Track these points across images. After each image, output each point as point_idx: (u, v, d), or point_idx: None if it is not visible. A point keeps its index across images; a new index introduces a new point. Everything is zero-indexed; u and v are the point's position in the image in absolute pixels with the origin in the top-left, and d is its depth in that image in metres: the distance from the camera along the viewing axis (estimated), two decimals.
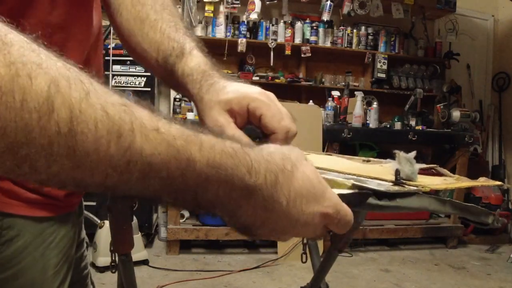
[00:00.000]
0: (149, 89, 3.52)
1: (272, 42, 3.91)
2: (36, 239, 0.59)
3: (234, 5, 3.80)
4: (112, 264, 0.72)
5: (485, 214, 0.55)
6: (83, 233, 0.78)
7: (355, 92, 3.85)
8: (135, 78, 3.49)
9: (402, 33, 4.36)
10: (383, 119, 4.06)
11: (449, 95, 4.18)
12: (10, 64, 0.27)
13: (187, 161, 0.34)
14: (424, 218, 3.87)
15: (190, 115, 3.42)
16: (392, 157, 0.67)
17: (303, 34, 4.05)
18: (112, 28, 2.78)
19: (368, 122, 3.81)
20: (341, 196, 0.47)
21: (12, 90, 0.27)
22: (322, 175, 0.51)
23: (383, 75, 4.20)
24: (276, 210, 0.39)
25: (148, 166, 0.33)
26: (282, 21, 4.03)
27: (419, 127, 3.91)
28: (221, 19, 3.86)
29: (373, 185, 0.49)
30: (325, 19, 3.98)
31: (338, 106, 3.74)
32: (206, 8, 3.79)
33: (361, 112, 3.73)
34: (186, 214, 3.45)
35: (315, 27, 4.07)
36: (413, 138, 3.69)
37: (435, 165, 0.67)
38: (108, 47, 3.23)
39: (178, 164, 0.34)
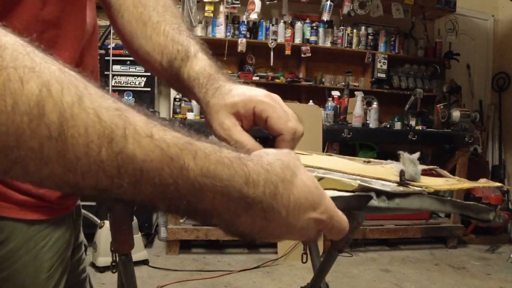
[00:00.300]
0: (149, 89, 3.52)
1: (272, 42, 3.91)
2: (28, 242, 0.58)
3: (234, 5, 3.80)
4: (112, 264, 0.72)
5: (486, 211, 0.55)
6: (81, 236, 0.77)
7: (355, 92, 3.86)
8: (135, 78, 3.49)
9: (402, 33, 4.36)
10: (383, 119, 4.06)
11: (449, 95, 4.19)
12: (2, 69, 0.28)
13: (180, 169, 0.34)
14: (424, 218, 3.87)
15: (190, 115, 3.42)
16: (393, 157, 0.67)
17: (303, 34, 4.05)
18: (112, 29, 2.79)
19: (368, 122, 3.81)
20: (342, 199, 0.47)
21: (3, 94, 0.28)
22: (326, 175, 0.51)
23: (383, 75, 4.20)
24: (276, 220, 0.39)
25: (140, 172, 0.32)
26: (282, 21, 4.03)
27: (419, 127, 3.91)
28: (221, 19, 3.86)
29: (377, 185, 0.49)
30: (325, 19, 3.98)
31: (338, 106, 3.74)
32: (206, 8, 3.79)
33: (361, 112, 3.73)
34: None
35: (315, 27, 4.07)
36: (413, 138, 3.69)
37: (435, 166, 0.67)
38: (108, 47, 3.23)
39: (171, 172, 0.33)
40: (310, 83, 4.10)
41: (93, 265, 2.81)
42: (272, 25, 3.97)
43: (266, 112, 0.54)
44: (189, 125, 3.30)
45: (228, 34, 3.89)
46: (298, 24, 4.03)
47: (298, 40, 4.04)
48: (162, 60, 0.63)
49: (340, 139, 3.54)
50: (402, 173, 0.53)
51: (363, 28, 4.19)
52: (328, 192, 0.48)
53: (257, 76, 3.95)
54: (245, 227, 0.39)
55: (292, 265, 3.15)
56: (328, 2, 3.89)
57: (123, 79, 3.48)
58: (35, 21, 0.54)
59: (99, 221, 2.83)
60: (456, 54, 4.39)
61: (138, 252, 2.89)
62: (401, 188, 0.50)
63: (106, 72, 3.29)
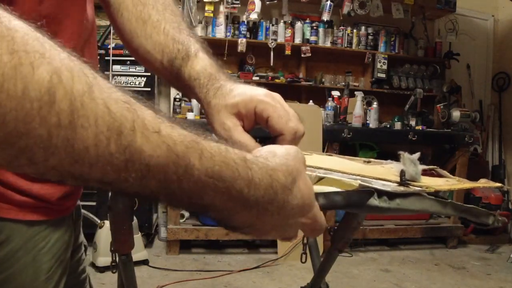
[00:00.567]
0: (149, 89, 3.52)
1: (272, 42, 3.91)
2: (27, 243, 0.58)
3: (234, 5, 3.80)
4: (113, 264, 0.72)
5: (485, 215, 0.55)
6: (81, 237, 0.77)
7: (355, 92, 3.86)
8: (135, 78, 3.49)
9: (402, 33, 4.36)
10: (383, 119, 4.06)
11: (449, 95, 4.19)
12: (13, 52, 0.27)
13: (186, 167, 0.34)
14: (424, 218, 3.87)
15: (190, 115, 3.42)
16: (393, 157, 0.67)
17: (303, 34, 4.05)
18: (112, 28, 2.79)
19: (368, 122, 3.81)
20: (343, 194, 0.47)
21: (14, 78, 0.27)
22: (327, 175, 0.51)
23: (383, 75, 4.20)
24: (267, 220, 0.41)
25: (146, 167, 0.32)
26: (282, 21, 4.03)
27: (419, 127, 3.91)
28: (221, 19, 3.86)
29: (378, 185, 0.49)
30: (325, 19, 3.98)
31: (338, 106, 3.74)
32: (206, 8, 3.79)
33: (361, 112, 3.73)
34: (186, 214, 3.45)
35: (315, 27, 4.07)
36: (413, 138, 3.69)
37: (435, 167, 0.67)
38: (108, 47, 3.23)
39: (176, 169, 0.33)
40: (310, 83, 4.10)
41: (93, 265, 2.81)
42: (272, 25, 3.97)
43: (267, 112, 0.54)
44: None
45: (228, 34, 3.89)
46: (298, 24, 4.03)
47: (298, 40, 4.04)
48: (162, 59, 0.63)
49: (340, 139, 3.54)
50: (402, 173, 0.53)
51: (363, 28, 4.19)
52: (329, 187, 0.48)
53: (257, 76, 3.95)
54: (238, 222, 0.40)
55: (292, 265, 3.15)
56: (328, 2, 3.89)
57: (123, 79, 3.48)
58: (33, 16, 0.54)
59: (99, 221, 2.83)
60: (456, 54, 4.39)
61: (138, 252, 2.89)
62: (401, 188, 0.50)
63: (106, 72, 3.29)
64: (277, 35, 3.96)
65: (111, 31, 3.02)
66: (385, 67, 4.19)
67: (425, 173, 0.61)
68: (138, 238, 2.88)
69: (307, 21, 4.08)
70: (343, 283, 2.94)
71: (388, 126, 3.94)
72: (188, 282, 2.81)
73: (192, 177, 0.34)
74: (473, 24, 4.82)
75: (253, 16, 3.75)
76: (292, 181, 0.40)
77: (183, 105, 3.59)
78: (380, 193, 0.47)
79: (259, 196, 0.38)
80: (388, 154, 0.70)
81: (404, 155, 0.55)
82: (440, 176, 0.65)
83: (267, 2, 3.89)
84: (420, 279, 3.09)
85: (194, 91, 0.59)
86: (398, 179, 0.53)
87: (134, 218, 2.03)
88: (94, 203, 3.05)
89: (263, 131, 0.57)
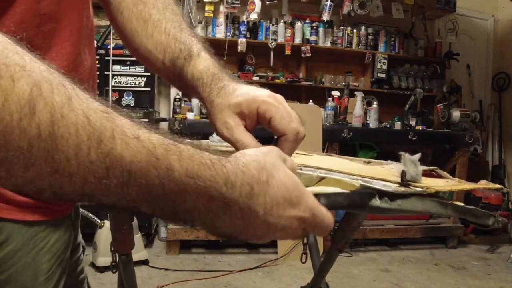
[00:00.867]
0: (149, 89, 3.52)
1: (272, 42, 3.91)
2: (27, 243, 0.58)
3: (234, 5, 3.80)
4: (113, 264, 0.72)
5: (485, 216, 0.55)
6: (79, 237, 0.77)
7: (355, 92, 3.86)
8: (135, 78, 3.49)
9: (402, 33, 4.37)
10: (383, 119, 4.06)
11: (449, 95, 4.19)
12: None
13: (166, 170, 0.34)
14: (424, 218, 3.87)
15: (190, 115, 3.42)
16: (393, 157, 0.67)
17: (303, 34, 4.05)
18: (112, 28, 2.78)
19: (368, 122, 3.81)
20: (344, 196, 0.46)
21: None
22: (327, 175, 0.51)
23: (383, 75, 4.20)
24: (254, 219, 0.40)
25: (127, 173, 0.33)
26: (282, 21, 4.03)
27: (419, 127, 3.91)
28: (221, 19, 3.86)
29: (379, 186, 0.49)
30: (325, 19, 3.98)
31: (338, 106, 3.74)
32: (206, 8, 3.79)
33: (361, 112, 3.73)
34: None
35: (315, 27, 4.07)
36: (413, 138, 3.69)
37: (435, 168, 0.67)
38: (108, 47, 3.23)
39: (157, 172, 0.34)
40: (310, 83, 4.10)
41: (93, 265, 2.81)
42: (272, 25, 3.97)
43: (270, 113, 0.55)
44: (189, 125, 3.30)
45: (228, 34, 3.89)
46: (298, 24, 4.03)
47: (298, 40, 4.04)
48: (164, 59, 0.63)
49: (340, 139, 3.54)
50: (403, 174, 0.53)
51: (363, 28, 4.19)
52: (330, 188, 0.48)
53: (257, 76, 3.95)
54: (225, 227, 0.40)
55: (292, 265, 3.15)
56: (328, 2, 3.89)
57: (123, 79, 3.47)
58: (32, 14, 0.54)
59: (99, 221, 2.83)
60: (456, 54, 4.39)
61: (138, 252, 2.89)
62: (402, 189, 0.50)
63: (106, 72, 3.28)
64: (277, 35, 3.96)
65: (111, 31, 3.02)
66: (385, 67, 4.19)
67: (425, 174, 0.61)
68: (138, 238, 2.88)
69: (307, 21, 4.08)
70: (343, 283, 2.94)
71: (388, 126, 3.94)
72: (188, 282, 2.81)
73: (173, 179, 0.35)
74: (473, 24, 4.82)
75: (253, 16, 3.75)
76: (268, 175, 0.40)
77: (183, 105, 3.59)
78: (382, 194, 0.47)
79: (237, 194, 0.38)
80: (388, 154, 0.70)
81: (405, 155, 0.55)
82: (440, 177, 0.66)
83: (267, 2, 3.89)
84: (420, 279, 3.09)
85: (197, 90, 0.60)
86: (399, 179, 0.53)
87: (134, 218, 2.02)
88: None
89: (265, 131, 0.57)
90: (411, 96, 3.94)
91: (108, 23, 2.67)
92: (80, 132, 0.31)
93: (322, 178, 0.50)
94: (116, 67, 3.42)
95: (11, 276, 0.57)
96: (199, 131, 3.20)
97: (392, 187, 0.50)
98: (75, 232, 0.72)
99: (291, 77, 4.07)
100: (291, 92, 4.01)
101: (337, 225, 0.76)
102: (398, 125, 3.89)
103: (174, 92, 3.76)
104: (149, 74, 3.47)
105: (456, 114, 3.93)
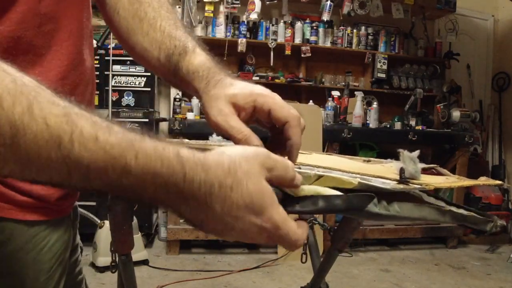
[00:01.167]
0: (149, 89, 3.52)
1: (272, 42, 3.91)
2: (28, 243, 0.58)
3: (234, 5, 3.80)
4: (112, 264, 0.72)
5: (484, 222, 0.55)
6: (78, 238, 0.77)
7: (355, 92, 3.86)
8: (135, 78, 3.49)
9: (402, 33, 4.36)
10: (383, 119, 4.06)
11: (449, 95, 4.19)
12: None
13: (123, 168, 0.37)
14: None
15: (190, 115, 3.42)
16: (393, 157, 0.66)
17: (303, 34, 4.05)
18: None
19: (368, 122, 3.81)
20: (342, 198, 0.46)
21: None
22: (326, 173, 0.51)
23: (383, 75, 4.20)
24: (211, 215, 0.42)
25: (87, 171, 0.37)
26: (282, 21, 4.03)
27: (419, 127, 3.91)
28: (221, 19, 3.86)
29: (377, 183, 0.49)
30: (325, 19, 3.98)
31: (338, 106, 3.74)
32: (206, 8, 3.79)
33: (361, 112, 3.73)
34: None
35: (315, 27, 4.07)
36: (413, 138, 3.69)
37: (435, 165, 0.67)
38: (108, 47, 3.22)
39: (114, 170, 0.37)
40: (310, 83, 4.10)
41: (93, 265, 2.81)
42: (272, 25, 3.97)
43: (268, 104, 0.55)
44: (189, 125, 3.30)
45: (228, 34, 3.89)
46: (298, 24, 4.03)
47: (298, 40, 4.04)
48: (159, 56, 0.63)
49: (340, 139, 3.54)
50: (402, 171, 0.53)
51: (363, 28, 4.19)
52: (329, 190, 0.47)
53: (257, 76, 3.95)
54: (188, 215, 0.43)
55: (292, 265, 3.15)
56: (328, 2, 3.89)
57: (123, 79, 3.47)
58: (32, 14, 0.54)
59: (99, 221, 2.83)
60: (456, 54, 4.39)
61: (138, 252, 2.89)
62: (401, 186, 0.50)
63: (106, 72, 3.28)
64: (277, 35, 3.96)
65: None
66: (385, 67, 4.19)
67: (424, 171, 0.61)
68: (138, 238, 2.88)
69: (307, 21, 4.08)
70: (343, 283, 2.94)
71: (388, 126, 3.94)
72: (188, 282, 2.81)
73: (130, 175, 0.38)
74: (473, 24, 4.82)
75: (253, 16, 3.75)
76: (233, 181, 0.41)
77: (183, 105, 3.59)
78: (380, 193, 0.47)
79: (195, 189, 0.40)
80: (388, 154, 0.70)
81: (404, 153, 0.55)
82: (440, 174, 0.65)
83: (267, 2, 3.89)
84: (420, 279, 3.09)
85: (192, 84, 0.60)
86: (397, 177, 0.53)
87: (134, 218, 2.02)
88: (94, 203, 3.04)
89: (263, 133, 0.57)
90: (411, 96, 3.94)
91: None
92: (39, 138, 0.34)
93: (320, 176, 0.50)
94: (116, 67, 3.42)
95: (12, 275, 0.57)
96: (199, 131, 3.20)
97: (390, 185, 0.50)
98: (74, 233, 0.72)
99: (291, 77, 4.07)
100: (291, 92, 4.01)
101: (337, 225, 0.75)
102: (398, 125, 3.89)
103: (174, 92, 3.76)
104: (149, 74, 3.47)
105: (456, 114, 3.93)
